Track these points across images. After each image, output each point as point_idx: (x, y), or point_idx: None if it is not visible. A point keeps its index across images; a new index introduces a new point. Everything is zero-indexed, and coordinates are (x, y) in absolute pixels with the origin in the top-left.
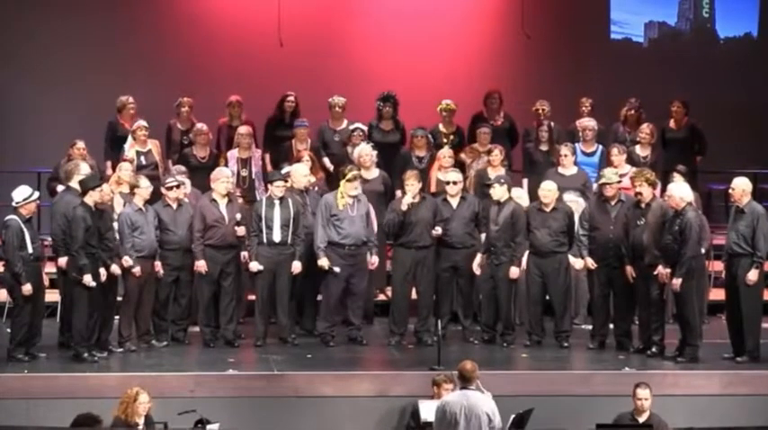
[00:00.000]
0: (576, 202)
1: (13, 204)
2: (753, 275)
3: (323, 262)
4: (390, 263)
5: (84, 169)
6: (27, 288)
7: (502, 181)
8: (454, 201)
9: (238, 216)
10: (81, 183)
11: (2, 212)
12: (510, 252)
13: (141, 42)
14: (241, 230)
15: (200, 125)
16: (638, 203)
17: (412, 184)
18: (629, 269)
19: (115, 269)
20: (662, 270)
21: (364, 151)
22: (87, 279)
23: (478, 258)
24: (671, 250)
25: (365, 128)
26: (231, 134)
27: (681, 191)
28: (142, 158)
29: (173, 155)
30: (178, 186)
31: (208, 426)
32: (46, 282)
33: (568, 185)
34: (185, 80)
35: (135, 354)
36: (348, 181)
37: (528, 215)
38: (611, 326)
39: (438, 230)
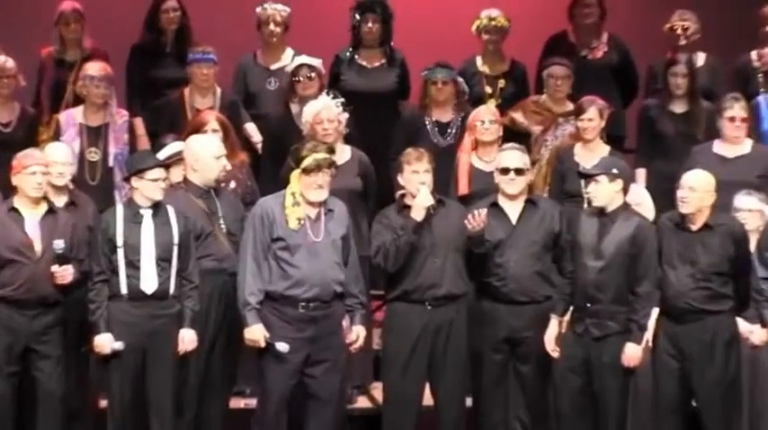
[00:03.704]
0: (757, 212)
1: None
2: None
3: (254, 331)
4: None
5: None
6: None
7: (614, 170)
8: (513, 209)
9: (60, 243)
10: None
11: None
12: (624, 315)
13: None
14: (64, 271)
15: (1, 59)
16: None
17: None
18: None
19: None
20: None
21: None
22: None
23: (553, 325)
24: None
25: (318, 64)
26: (64, 77)
27: None
28: None
29: None
30: None
31: None
32: None
33: (734, 177)
34: None
35: None
36: (306, 172)
37: (659, 239)
38: None
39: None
